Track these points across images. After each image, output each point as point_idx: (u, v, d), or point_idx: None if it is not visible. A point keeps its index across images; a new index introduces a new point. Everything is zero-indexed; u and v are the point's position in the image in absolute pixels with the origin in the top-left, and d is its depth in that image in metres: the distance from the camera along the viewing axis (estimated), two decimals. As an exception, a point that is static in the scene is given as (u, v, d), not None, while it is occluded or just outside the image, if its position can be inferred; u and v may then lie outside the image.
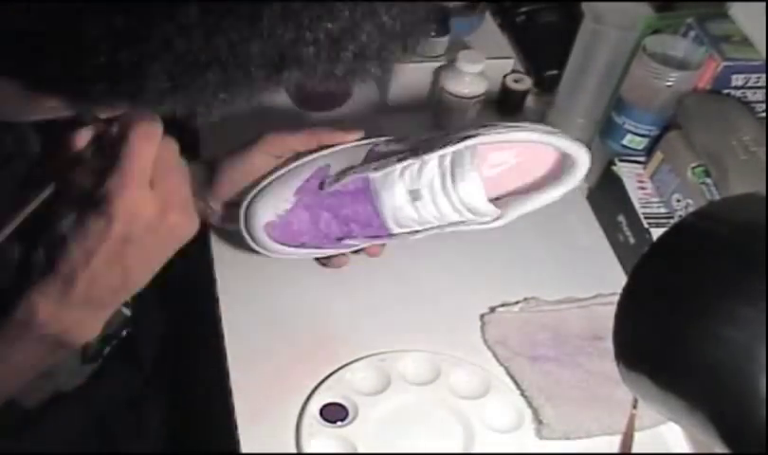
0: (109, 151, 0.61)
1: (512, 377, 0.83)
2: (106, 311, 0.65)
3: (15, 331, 0.62)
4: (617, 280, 0.92)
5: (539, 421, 0.79)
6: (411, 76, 1.11)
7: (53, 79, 0.45)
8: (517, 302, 0.90)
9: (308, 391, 0.79)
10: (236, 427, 0.76)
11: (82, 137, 0.63)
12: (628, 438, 0.78)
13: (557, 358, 0.85)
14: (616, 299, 0.90)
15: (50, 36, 0.42)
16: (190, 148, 1.00)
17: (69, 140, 0.63)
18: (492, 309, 0.90)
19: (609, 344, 0.85)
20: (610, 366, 0.83)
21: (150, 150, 0.61)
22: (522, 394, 0.82)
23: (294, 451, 0.75)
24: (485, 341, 0.86)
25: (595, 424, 0.79)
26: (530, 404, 0.81)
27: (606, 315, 0.88)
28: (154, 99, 0.44)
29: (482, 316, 0.89)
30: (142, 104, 0.45)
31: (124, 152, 0.60)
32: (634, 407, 0.79)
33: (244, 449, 0.75)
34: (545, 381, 0.82)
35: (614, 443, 0.80)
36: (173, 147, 0.64)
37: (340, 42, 0.44)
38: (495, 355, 0.85)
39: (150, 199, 0.61)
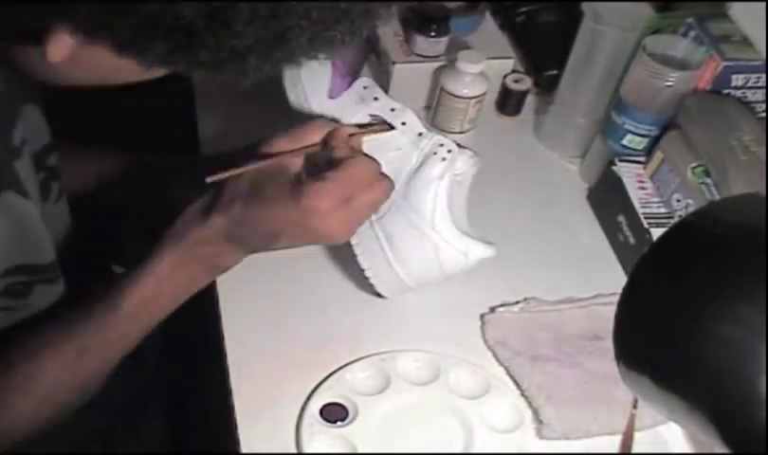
0: (336, 153, 0.72)
1: (512, 377, 0.83)
2: (246, 252, 0.74)
3: (170, 235, 0.72)
4: (617, 280, 0.92)
5: (539, 421, 0.79)
6: (410, 76, 1.11)
7: (208, 61, 0.51)
8: (517, 302, 0.90)
9: (308, 392, 0.79)
10: (236, 427, 0.76)
11: (320, 132, 0.74)
12: (628, 438, 0.78)
13: (557, 358, 0.85)
14: (616, 299, 0.90)
15: (206, 25, 0.47)
16: (190, 147, 1.02)
17: (311, 130, 0.74)
18: (492, 309, 0.90)
19: (609, 344, 0.85)
20: (610, 366, 0.83)
21: (362, 180, 0.71)
22: (522, 394, 0.82)
23: (294, 451, 0.75)
24: (486, 341, 0.86)
25: (595, 424, 0.80)
26: (530, 404, 0.81)
27: (606, 315, 0.88)
28: (299, 59, 0.52)
29: (482, 316, 0.89)
30: (290, 63, 0.53)
31: (344, 171, 0.70)
32: (634, 407, 0.79)
33: (244, 449, 0.75)
34: (545, 381, 0.82)
35: (614, 443, 0.79)
36: (381, 188, 0.74)
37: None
38: (495, 355, 0.85)
39: (336, 212, 0.70)
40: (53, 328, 0.72)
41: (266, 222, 0.71)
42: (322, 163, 0.73)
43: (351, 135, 0.75)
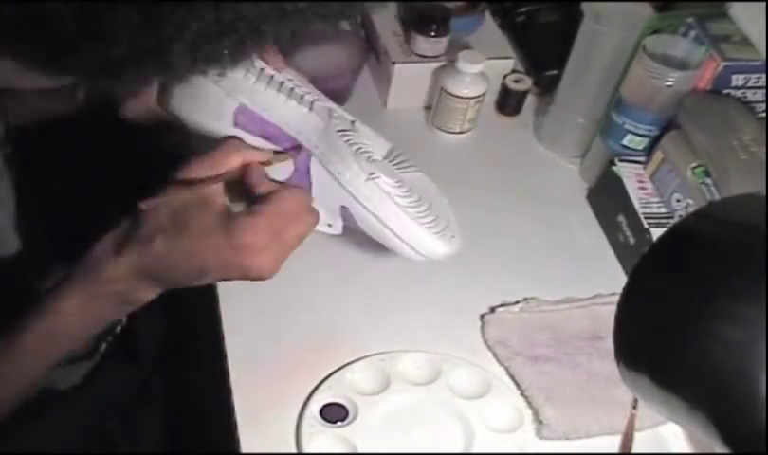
0: (259, 188, 0.68)
1: (512, 377, 0.83)
2: (163, 288, 0.69)
3: (79, 272, 0.67)
4: (617, 280, 0.92)
5: (538, 421, 0.79)
6: (410, 76, 1.11)
7: (85, 69, 0.49)
8: (517, 302, 0.90)
9: (308, 392, 0.79)
10: (236, 427, 0.76)
11: (237, 155, 0.69)
12: (628, 438, 0.78)
13: (556, 358, 0.85)
14: (616, 299, 0.90)
15: (79, 31, 0.46)
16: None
17: (227, 152, 0.68)
18: (492, 309, 0.90)
19: (608, 344, 0.85)
20: (609, 366, 0.83)
21: (293, 212, 0.68)
22: (522, 394, 0.82)
23: (294, 451, 0.75)
24: (485, 341, 0.86)
25: (595, 424, 0.80)
26: (530, 404, 0.81)
27: (605, 315, 0.89)
28: (180, 72, 0.50)
29: (482, 316, 0.89)
30: (172, 77, 0.52)
31: (275, 204, 0.66)
32: (634, 407, 0.79)
33: (244, 449, 0.75)
34: (545, 381, 0.82)
35: (614, 443, 0.80)
36: (310, 220, 0.70)
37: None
38: (495, 356, 0.85)
39: (268, 248, 0.66)
40: None
41: (193, 259, 0.66)
42: (243, 192, 0.69)
43: (262, 163, 0.70)
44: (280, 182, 0.71)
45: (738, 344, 0.48)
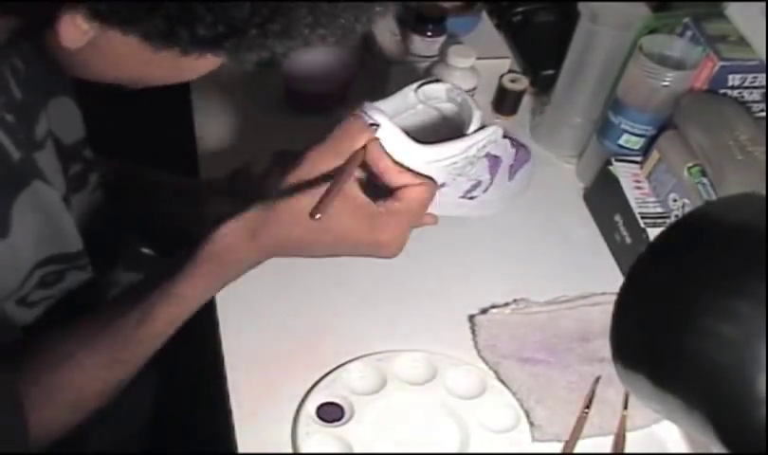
0: (392, 179, 0.71)
1: (502, 381, 0.83)
2: (264, 256, 0.72)
3: (205, 258, 0.70)
4: (614, 280, 0.92)
5: (530, 423, 0.79)
6: (408, 76, 1.11)
7: (210, 40, 0.50)
8: (506, 304, 0.90)
9: (304, 391, 0.79)
10: (233, 428, 0.76)
11: (359, 135, 0.71)
12: (620, 439, 0.79)
13: (546, 360, 0.85)
14: (605, 298, 0.91)
15: None
16: (190, 171, 1.02)
17: (349, 135, 0.71)
18: (483, 311, 0.89)
19: (597, 345, 0.86)
20: (599, 367, 0.84)
21: (425, 206, 0.73)
22: (514, 396, 0.82)
23: (290, 451, 0.75)
24: (475, 345, 0.86)
25: (587, 425, 0.79)
26: (521, 406, 0.81)
27: (595, 315, 0.89)
28: (300, 38, 0.52)
29: (471, 317, 0.89)
30: (290, 43, 0.52)
31: (412, 201, 0.71)
32: (625, 407, 0.79)
33: (240, 449, 0.75)
34: (536, 383, 0.82)
35: (606, 444, 0.80)
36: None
37: None
38: (484, 360, 0.85)
39: (402, 239, 0.72)
40: (78, 338, 0.71)
41: (330, 249, 0.72)
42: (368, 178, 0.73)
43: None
44: (407, 168, 0.72)
45: (735, 343, 0.48)
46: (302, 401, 0.78)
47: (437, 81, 0.79)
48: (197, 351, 0.88)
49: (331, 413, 0.77)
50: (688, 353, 0.50)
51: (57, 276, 0.76)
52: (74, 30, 0.51)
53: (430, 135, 0.80)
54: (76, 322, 0.72)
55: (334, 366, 0.81)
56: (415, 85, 0.78)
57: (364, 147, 0.70)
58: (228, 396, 0.79)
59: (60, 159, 0.77)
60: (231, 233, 0.69)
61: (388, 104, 0.76)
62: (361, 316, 0.87)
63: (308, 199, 0.67)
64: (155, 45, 0.52)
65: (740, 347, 0.48)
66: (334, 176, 0.68)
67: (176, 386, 1.02)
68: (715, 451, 0.51)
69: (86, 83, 0.62)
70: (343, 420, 0.77)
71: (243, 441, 0.76)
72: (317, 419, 0.77)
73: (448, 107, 0.79)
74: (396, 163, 0.71)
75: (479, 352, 0.85)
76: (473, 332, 0.87)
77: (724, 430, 0.49)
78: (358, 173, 0.72)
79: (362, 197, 0.70)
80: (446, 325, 0.88)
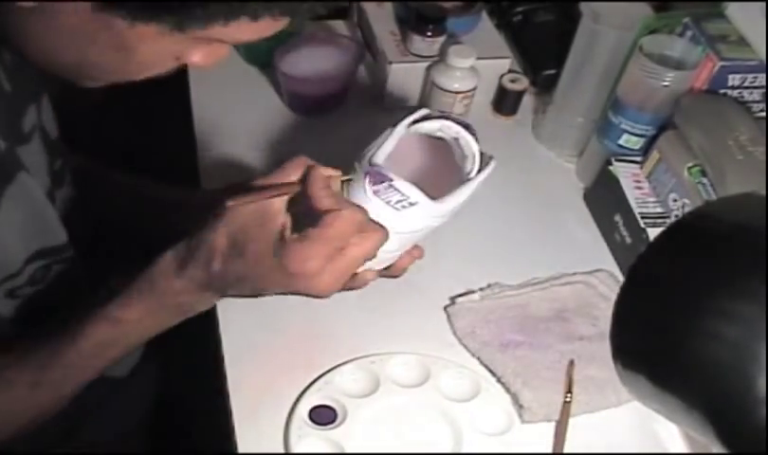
0: (317, 204, 0.65)
1: (486, 366, 0.83)
2: (216, 296, 0.70)
3: (142, 284, 0.68)
4: (587, 262, 0.94)
5: (519, 406, 0.79)
6: (407, 76, 1.11)
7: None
8: (481, 289, 0.90)
9: (297, 394, 0.78)
10: (233, 430, 0.76)
11: (299, 170, 0.67)
12: (562, 426, 0.78)
13: (527, 342, 0.85)
14: (576, 278, 0.92)
15: None
16: (191, 181, 1.01)
17: (291, 168, 0.67)
18: (452, 300, 0.89)
19: (575, 324, 0.87)
20: (579, 345, 0.84)
21: (349, 233, 0.65)
22: (499, 381, 0.82)
23: (282, 453, 0.75)
24: (455, 334, 0.86)
25: (574, 403, 0.79)
26: (508, 390, 0.81)
27: (566, 294, 0.90)
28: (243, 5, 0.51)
29: (445, 307, 0.89)
30: (234, 10, 0.51)
31: (329, 227, 0.63)
32: (569, 391, 0.79)
33: (240, 449, 0.75)
34: (520, 365, 0.82)
35: (593, 421, 0.80)
36: (372, 240, 0.67)
37: None
38: (466, 348, 0.85)
39: (323, 272, 0.64)
40: (12, 354, 0.70)
41: (248, 280, 0.66)
42: (305, 210, 0.67)
43: (329, 176, 0.67)
44: (343, 198, 0.67)
45: (735, 343, 0.48)
46: (295, 404, 0.77)
47: (428, 117, 0.73)
48: (197, 351, 0.88)
49: (324, 416, 0.77)
50: (688, 353, 0.50)
51: (45, 270, 0.76)
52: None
53: (425, 160, 0.77)
54: (17, 338, 0.71)
55: (327, 368, 0.81)
56: (407, 122, 0.72)
57: (302, 180, 0.66)
58: (229, 396, 0.78)
59: (47, 153, 0.77)
60: (164, 260, 0.67)
61: (386, 149, 0.71)
62: (355, 318, 0.86)
63: (228, 228, 0.65)
64: (100, 7, 0.52)
65: (740, 347, 0.48)
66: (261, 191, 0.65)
67: (176, 385, 1.02)
68: (715, 451, 0.50)
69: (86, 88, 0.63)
70: (336, 423, 0.76)
71: (243, 441, 0.75)
72: (309, 422, 0.76)
73: (443, 135, 0.75)
74: (327, 189, 0.66)
75: (459, 340, 0.85)
76: (449, 321, 0.87)
77: (724, 430, 0.49)
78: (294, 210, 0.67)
79: (282, 220, 0.65)
80: (441, 328, 0.87)
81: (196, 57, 0.61)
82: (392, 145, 0.71)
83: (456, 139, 0.73)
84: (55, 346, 0.69)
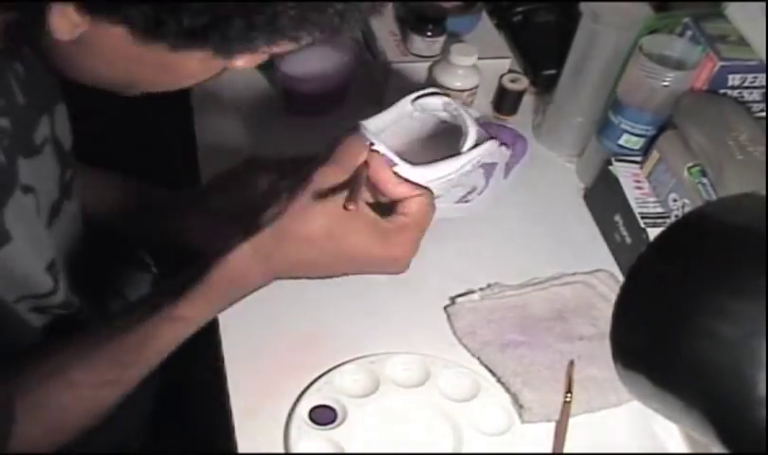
0: (393, 192, 0.71)
1: (486, 366, 0.83)
2: (274, 278, 0.71)
3: (213, 280, 0.68)
4: (587, 262, 0.94)
5: (519, 406, 0.79)
6: (407, 76, 1.11)
7: (196, 31, 0.51)
8: (481, 289, 0.90)
9: (297, 394, 0.78)
10: (233, 430, 0.76)
11: (360, 152, 0.70)
12: (562, 426, 0.78)
13: (527, 342, 0.85)
14: (576, 278, 0.92)
15: None
16: (191, 174, 1.02)
17: (354, 152, 0.70)
18: (453, 300, 0.89)
19: (575, 324, 0.87)
20: (579, 345, 0.84)
21: (430, 217, 0.72)
22: (499, 381, 0.82)
23: (282, 453, 0.75)
24: (454, 334, 0.86)
25: (574, 404, 0.79)
26: (508, 390, 0.81)
27: (567, 294, 0.90)
28: (286, 31, 0.52)
29: (445, 308, 0.89)
30: (277, 37, 0.53)
31: (417, 214, 0.71)
32: (569, 391, 0.79)
33: (240, 449, 0.75)
34: (520, 365, 0.82)
35: (593, 421, 0.80)
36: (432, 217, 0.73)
37: None
38: (466, 348, 0.85)
39: (412, 254, 0.72)
40: (72, 355, 0.70)
41: (344, 267, 0.71)
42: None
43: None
44: (405, 180, 0.72)
45: (735, 343, 0.48)
46: (295, 404, 0.77)
47: (434, 93, 0.79)
48: (197, 351, 0.88)
49: (324, 416, 0.76)
50: (688, 353, 0.50)
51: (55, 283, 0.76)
52: (65, 22, 0.51)
53: (428, 142, 0.80)
54: (72, 338, 0.71)
55: (327, 368, 0.81)
56: (413, 96, 0.77)
57: (366, 162, 0.70)
58: (229, 397, 0.78)
59: (59, 164, 0.77)
60: (246, 258, 0.67)
61: (384, 118, 0.76)
62: (355, 318, 0.86)
63: (323, 219, 0.67)
64: (142, 38, 0.52)
65: (740, 347, 0.48)
66: (349, 185, 0.68)
67: (176, 385, 1.02)
68: (715, 451, 0.50)
69: (85, 88, 0.63)
70: (336, 423, 0.76)
71: (243, 441, 0.75)
72: (309, 422, 0.76)
73: (446, 115, 0.80)
74: (395, 174, 0.71)
75: (459, 340, 0.85)
76: (449, 321, 0.87)
77: (724, 430, 0.49)
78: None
79: (371, 214, 0.70)
80: (442, 327, 0.87)
81: (241, 62, 0.61)
82: (391, 115, 0.76)
83: (457, 118, 0.76)
84: (123, 350, 0.69)
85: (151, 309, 0.69)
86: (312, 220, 0.67)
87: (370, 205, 0.71)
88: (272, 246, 0.67)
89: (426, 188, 0.72)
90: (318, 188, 0.67)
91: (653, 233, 0.92)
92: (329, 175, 0.68)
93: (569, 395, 0.79)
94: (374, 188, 0.71)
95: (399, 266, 0.72)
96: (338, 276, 0.72)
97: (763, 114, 1.01)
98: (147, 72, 0.59)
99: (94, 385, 0.70)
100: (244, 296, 0.71)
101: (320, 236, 0.67)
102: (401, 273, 0.73)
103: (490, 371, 0.83)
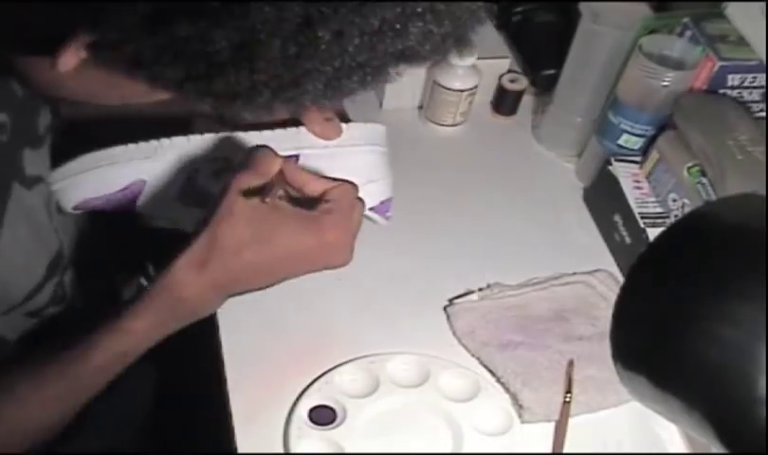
0: (313, 186, 0.73)
1: (485, 366, 0.83)
2: (225, 297, 0.71)
3: (155, 292, 0.68)
4: (587, 262, 0.93)
5: (519, 406, 0.79)
6: (407, 76, 1.10)
7: (223, 91, 0.49)
8: (481, 289, 0.90)
9: (297, 394, 0.78)
10: (233, 431, 0.76)
11: (277, 163, 0.71)
12: (562, 426, 0.78)
13: (526, 342, 0.85)
14: (576, 278, 0.92)
15: (232, 57, 0.46)
16: None
17: (271, 160, 0.71)
18: (451, 300, 0.89)
19: (575, 324, 0.87)
20: (579, 345, 0.84)
21: (355, 203, 0.73)
22: (499, 381, 0.82)
23: (282, 453, 0.75)
24: (454, 334, 0.86)
25: (574, 404, 0.79)
26: (507, 390, 0.81)
27: (566, 294, 0.90)
28: (312, 101, 0.51)
29: (444, 308, 0.89)
30: (301, 105, 0.52)
31: (340, 200, 0.71)
32: (568, 391, 0.79)
33: (240, 450, 0.75)
34: (519, 366, 0.82)
35: (592, 421, 0.80)
36: (360, 206, 0.74)
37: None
38: (465, 348, 0.85)
39: (347, 240, 0.72)
40: (23, 371, 0.69)
41: (282, 264, 0.70)
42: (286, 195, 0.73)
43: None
44: (325, 177, 0.75)
45: (736, 344, 0.48)
46: (294, 404, 0.77)
47: None
48: (197, 351, 0.88)
49: (323, 416, 0.76)
50: (688, 354, 0.50)
51: (59, 287, 0.75)
52: (74, 58, 0.51)
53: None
54: (30, 355, 0.70)
55: (326, 369, 0.81)
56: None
57: (281, 171, 0.71)
58: (229, 396, 0.78)
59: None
60: (182, 269, 0.67)
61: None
62: (355, 318, 0.86)
63: (247, 220, 0.67)
64: (158, 87, 0.51)
65: (741, 347, 0.47)
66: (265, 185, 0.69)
67: (176, 385, 1.02)
68: (715, 451, 0.50)
69: None
70: (335, 423, 0.76)
71: (243, 441, 0.75)
72: (309, 422, 0.76)
73: None
74: (312, 173, 0.74)
75: (459, 340, 0.85)
76: (449, 322, 0.87)
77: (724, 430, 0.49)
78: (282, 192, 0.72)
79: (293, 208, 0.70)
80: (442, 327, 0.87)
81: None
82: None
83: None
84: (66, 361, 0.68)
85: (99, 322, 0.69)
86: (236, 223, 0.67)
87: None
88: (205, 254, 0.67)
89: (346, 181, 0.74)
90: (238, 190, 0.68)
91: (653, 233, 0.92)
92: (249, 179, 0.69)
93: (569, 395, 0.79)
94: (300, 191, 0.73)
95: (339, 253, 0.71)
96: (284, 279, 0.72)
97: (763, 114, 1.01)
98: (143, 96, 0.58)
99: (41, 400, 0.68)
100: (192, 309, 0.70)
101: (248, 238, 0.67)
102: (346, 263, 0.72)
103: (490, 371, 0.83)
